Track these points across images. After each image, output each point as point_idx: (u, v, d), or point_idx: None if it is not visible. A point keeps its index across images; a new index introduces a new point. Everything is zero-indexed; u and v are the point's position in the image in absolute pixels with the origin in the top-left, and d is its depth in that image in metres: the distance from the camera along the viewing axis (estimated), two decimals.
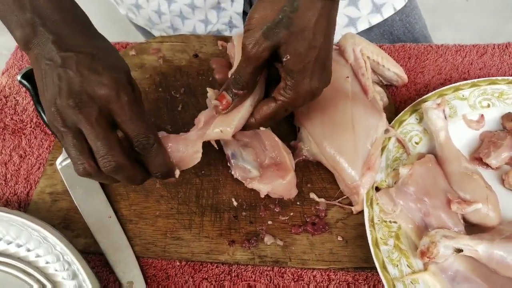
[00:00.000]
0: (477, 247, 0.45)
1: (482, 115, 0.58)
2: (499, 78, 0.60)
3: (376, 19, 0.76)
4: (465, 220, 0.50)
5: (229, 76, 0.50)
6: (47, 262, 0.50)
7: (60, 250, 0.50)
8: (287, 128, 0.61)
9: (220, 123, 0.51)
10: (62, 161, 0.58)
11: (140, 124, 0.44)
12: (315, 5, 0.43)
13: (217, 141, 0.59)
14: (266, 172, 0.55)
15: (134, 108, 0.44)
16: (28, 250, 0.50)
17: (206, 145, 0.60)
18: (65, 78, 0.42)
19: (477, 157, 0.56)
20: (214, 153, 0.59)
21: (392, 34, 0.78)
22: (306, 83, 0.46)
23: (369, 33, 0.77)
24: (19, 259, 0.50)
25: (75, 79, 0.42)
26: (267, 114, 0.50)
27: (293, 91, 0.47)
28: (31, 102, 0.67)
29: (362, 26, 0.76)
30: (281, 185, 0.53)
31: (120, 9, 0.88)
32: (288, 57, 0.45)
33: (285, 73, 0.46)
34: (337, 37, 0.77)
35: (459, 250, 0.45)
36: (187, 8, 0.78)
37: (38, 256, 0.50)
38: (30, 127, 0.64)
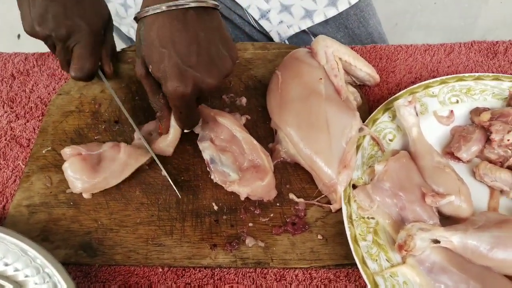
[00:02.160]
0: (452, 238, 0.47)
1: (451, 111, 0.60)
2: (466, 74, 0.62)
3: (332, 12, 0.78)
4: (439, 212, 0.51)
5: None
6: (26, 276, 0.49)
7: (40, 262, 0.49)
8: (265, 131, 0.62)
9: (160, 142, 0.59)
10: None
11: (79, 61, 0.59)
12: (158, 19, 0.49)
13: (196, 146, 0.60)
14: (245, 175, 0.55)
15: (83, 49, 0.60)
16: (6, 265, 0.49)
17: (184, 151, 0.60)
18: (51, 11, 0.57)
19: (449, 152, 0.57)
20: (193, 158, 0.60)
21: (347, 27, 0.81)
22: (168, 86, 0.49)
23: (325, 26, 0.80)
24: None
25: (59, 11, 0.57)
26: (176, 119, 0.57)
27: (167, 95, 0.51)
28: (4, 115, 0.66)
29: (318, 18, 0.79)
30: (260, 186, 0.54)
31: None
32: (150, 67, 0.50)
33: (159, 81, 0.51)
34: (295, 29, 0.80)
35: (436, 241, 0.47)
36: None
37: (16, 270, 0.49)
38: (5, 139, 0.63)
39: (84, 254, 0.53)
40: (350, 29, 0.81)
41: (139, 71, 0.52)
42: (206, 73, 0.49)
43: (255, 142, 0.57)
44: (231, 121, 0.60)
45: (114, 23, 0.89)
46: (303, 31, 0.80)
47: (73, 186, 0.56)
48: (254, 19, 0.79)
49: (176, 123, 0.57)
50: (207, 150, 0.58)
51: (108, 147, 0.58)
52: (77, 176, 0.55)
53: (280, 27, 0.79)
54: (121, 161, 0.57)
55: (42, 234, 0.54)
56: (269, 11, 0.78)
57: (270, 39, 0.82)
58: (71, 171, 0.56)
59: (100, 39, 0.60)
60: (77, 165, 0.56)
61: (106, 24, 0.62)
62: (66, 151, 0.57)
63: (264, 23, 0.79)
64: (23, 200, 0.57)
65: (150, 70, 0.50)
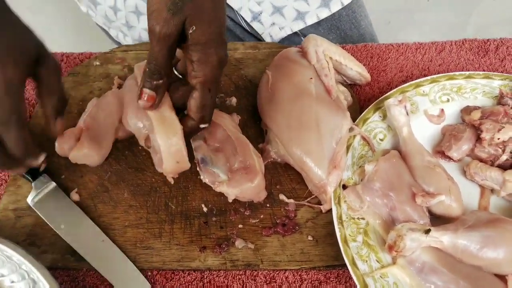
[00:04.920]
0: (442, 238, 0.46)
1: (442, 110, 0.60)
2: (457, 73, 0.62)
3: (325, 13, 0.78)
4: (430, 212, 0.51)
5: (143, 71, 0.48)
6: (12, 282, 0.48)
7: (26, 268, 0.48)
8: (255, 131, 0.62)
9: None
10: (33, 198, 0.55)
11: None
12: None
13: (189, 146, 0.59)
14: (234, 176, 0.54)
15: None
16: None
17: None
18: None
19: (440, 151, 0.57)
20: None
21: (339, 28, 0.81)
22: (213, 53, 0.46)
23: (317, 27, 0.80)
24: None
25: None
26: (198, 106, 0.49)
27: (203, 65, 0.46)
28: None
29: (311, 20, 0.78)
30: (249, 188, 0.53)
31: (81, 7, 0.87)
32: (194, 29, 0.45)
33: (191, 49, 0.46)
34: (287, 31, 0.79)
35: (427, 231, 0.46)
36: (142, 2, 0.78)
37: (2, 276, 0.48)
38: None
39: (71, 258, 0.52)
40: (342, 30, 0.81)
41: (168, 31, 0.45)
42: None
43: (248, 143, 0.56)
44: (227, 121, 0.59)
45: (103, 26, 0.88)
46: (295, 33, 0.80)
47: (92, 160, 0.58)
48: (245, 21, 0.79)
49: (200, 112, 0.49)
50: (199, 150, 0.58)
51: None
52: (91, 151, 0.57)
53: (272, 29, 0.79)
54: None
55: (29, 239, 0.53)
56: (261, 13, 0.77)
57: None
58: (84, 149, 0.56)
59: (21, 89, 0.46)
60: (83, 144, 0.56)
61: (30, 61, 0.46)
62: (57, 146, 0.57)
63: (256, 25, 0.79)
64: (9, 204, 0.56)
65: (191, 31, 0.45)
